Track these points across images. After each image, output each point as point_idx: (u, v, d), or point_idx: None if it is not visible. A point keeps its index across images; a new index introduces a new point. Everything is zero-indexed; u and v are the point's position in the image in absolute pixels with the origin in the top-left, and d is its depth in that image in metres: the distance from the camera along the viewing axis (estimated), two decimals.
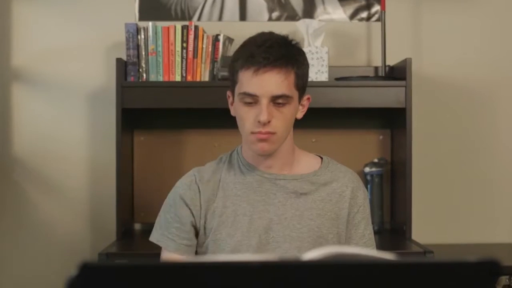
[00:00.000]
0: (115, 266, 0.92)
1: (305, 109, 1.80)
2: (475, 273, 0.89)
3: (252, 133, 1.69)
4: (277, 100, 1.68)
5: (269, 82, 1.67)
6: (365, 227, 1.80)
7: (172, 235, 1.79)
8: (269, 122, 1.67)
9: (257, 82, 1.67)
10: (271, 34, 1.75)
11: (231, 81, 1.76)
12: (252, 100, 1.69)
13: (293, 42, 1.76)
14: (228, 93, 1.80)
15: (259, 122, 1.67)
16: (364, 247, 1.77)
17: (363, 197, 1.81)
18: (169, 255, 1.79)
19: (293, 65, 1.70)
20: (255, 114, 1.68)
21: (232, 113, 1.79)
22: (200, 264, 0.90)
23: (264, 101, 1.67)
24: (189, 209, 1.78)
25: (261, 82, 1.67)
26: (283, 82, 1.68)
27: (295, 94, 1.72)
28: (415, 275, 0.90)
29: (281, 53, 1.69)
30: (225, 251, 1.74)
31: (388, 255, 0.90)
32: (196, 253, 1.82)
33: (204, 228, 1.78)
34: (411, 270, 0.90)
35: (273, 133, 1.69)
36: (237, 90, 1.72)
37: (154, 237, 1.83)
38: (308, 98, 1.81)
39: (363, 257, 0.91)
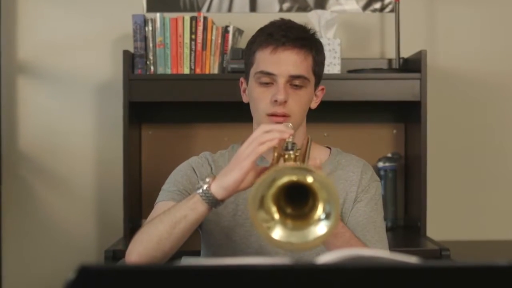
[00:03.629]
0: (114, 269, 0.87)
1: (319, 100, 1.78)
2: (505, 277, 0.83)
3: (268, 115, 1.65)
4: (294, 81, 1.66)
5: (287, 61, 1.65)
6: (366, 204, 1.72)
7: (172, 194, 1.69)
8: (285, 102, 1.64)
9: (275, 61, 1.65)
10: (290, 20, 1.73)
11: (246, 65, 1.74)
12: (268, 79, 1.66)
13: (312, 31, 1.74)
14: (241, 79, 1.78)
15: (275, 101, 1.64)
16: (364, 224, 1.68)
17: (369, 178, 1.75)
18: (163, 204, 1.66)
19: (312, 48, 1.69)
20: (271, 95, 1.65)
21: (245, 99, 1.77)
22: (208, 268, 0.84)
23: (281, 81, 1.65)
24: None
25: (279, 61, 1.65)
26: (302, 63, 1.66)
27: (312, 79, 1.70)
28: (438, 280, 0.84)
29: (301, 35, 1.68)
30: (233, 242, 1.71)
31: (409, 258, 0.84)
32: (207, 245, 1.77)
33: (214, 213, 1.70)
34: (434, 275, 0.84)
35: (288, 116, 1.65)
36: (253, 70, 1.69)
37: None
38: (323, 89, 1.79)
39: (381, 260, 0.85)
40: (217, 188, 1.44)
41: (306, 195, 1.24)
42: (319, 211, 1.22)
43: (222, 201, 1.45)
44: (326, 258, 0.84)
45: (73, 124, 2.90)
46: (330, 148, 1.83)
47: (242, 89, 1.78)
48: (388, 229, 2.61)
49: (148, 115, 2.88)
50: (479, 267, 0.84)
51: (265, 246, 1.70)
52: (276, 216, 1.25)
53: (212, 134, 2.88)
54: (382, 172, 2.75)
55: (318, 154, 1.78)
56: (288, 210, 1.26)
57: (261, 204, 1.23)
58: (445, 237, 2.74)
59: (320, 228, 1.22)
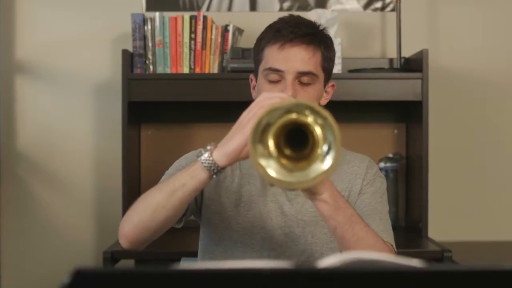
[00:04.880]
0: (111, 273, 0.85)
1: (329, 97, 1.76)
2: (510, 282, 0.80)
3: None
4: (302, 78, 1.64)
5: (296, 57, 1.63)
6: (371, 196, 1.70)
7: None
8: None
9: (283, 57, 1.63)
10: (299, 16, 1.71)
11: (255, 62, 1.72)
12: (277, 76, 1.64)
13: (321, 27, 1.72)
14: (251, 76, 1.76)
15: None
16: (368, 213, 1.65)
17: (374, 173, 1.74)
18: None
19: (321, 44, 1.66)
20: (279, 91, 1.61)
21: (254, 96, 1.74)
22: (208, 272, 0.82)
23: (290, 77, 1.62)
24: None
25: (287, 57, 1.63)
26: (310, 59, 1.64)
27: (321, 75, 1.67)
28: (442, 284, 0.82)
29: (309, 30, 1.65)
30: (235, 233, 1.69)
31: (413, 262, 0.82)
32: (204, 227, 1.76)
33: (215, 201, 1.71)
34: (438, 279, 0.82)
35: None
36: (262, 67, 1.67)
37: None
38: (333, 85, 1.77)
39: (385, 264, 0.83)
40: (219, 154, 1.42)
41: (305, 142, 1.30)
42: (320, 146, 1.27)
43: (223, 168, 1.43)
44: (328, 262, 0.82)
45: (71, 124, 2.88)
46: None
47: (252, 86, 1.76)
48: None
49: (148, 115, 2.86)
50: (483, 271, 0.82)
51: (268, 238, 1.68)
52: (275, 153, 1.29)
53: (212, 134, 2.84)
54: (383, 173, 2.72)
55: None
56: (287, 152, 1.31)
57: (261, 139, 1.27)
58: (447, 238, 2.72)
59: (325, 163, 1.27)
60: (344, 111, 2.83)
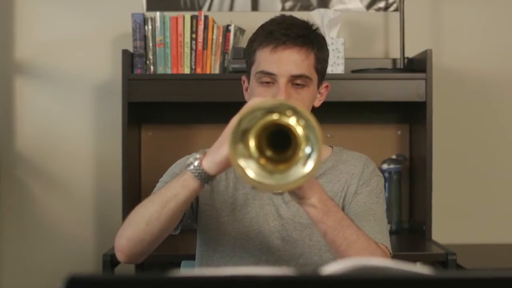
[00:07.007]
0: (106, 280, 0.82)
1: (323, 98, 1.74)
2: None
3: None
4: (296, 81, 1.62)
5: (288, 60, 1.61)
6: (366, 196, 1.67)
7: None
8: None
9: (275, 60, 1.61)
10: (291, 16, 1.69)
11: (247, 64, 1.70)
12: (269, 79, 1.62)
13: (314, 27, 1.69)
14: (243, 78, 1.75)
15: None
16: (362, 215, 1.63)
17: (370, 172, 1.71)
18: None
19: (314, 46, 1.64)
20: (272, 95, 1.61)
21: (247, 98, 1.73)
22: (206, 279, 0.79)
23: (282, 81, 1.60)
24: None
25: (279, 60, 1.61)
26: (303, 62, 1.62)
27: (314, 77, 1.66)
28: None
29: (302, 32, 1.63)
30: (232, 238, 1.67)
31: (422, 269, 0.79)
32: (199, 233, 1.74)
33: (211, 206, 1.69)
34: (448, 286, 0.79)
35: None
36: (254, 70, 1.65)
37: None
38: (327, 86, 1.75)
39: (393, 271, 0.80)
40: (210, 163, 1.40)
41: (288, 144, 1.29)
42: (302, 149, 1.26)
43: (214, 176, 1.42)
44: (331, 268, 0.79)
45: (71, 125, 2.86)
46: (332, 147, 1.80)
47: (244, 88, 1.75)
48: (392, 233, 2.56)
49: (148, 116, 2.84)
50: (492, 278, 0.79)
51: (265, 242, 1.67)
52: (255, 154, 1.27)
53: (213, 135, 2.78)
54: (386, 174, 2.71)
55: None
56: (269, 154, 1.30)
57: (242, 139, 1.27)
58: (451, 240, 2.70)
59: (307, 166, 1.26)
60: (347, 111, 2.81)
